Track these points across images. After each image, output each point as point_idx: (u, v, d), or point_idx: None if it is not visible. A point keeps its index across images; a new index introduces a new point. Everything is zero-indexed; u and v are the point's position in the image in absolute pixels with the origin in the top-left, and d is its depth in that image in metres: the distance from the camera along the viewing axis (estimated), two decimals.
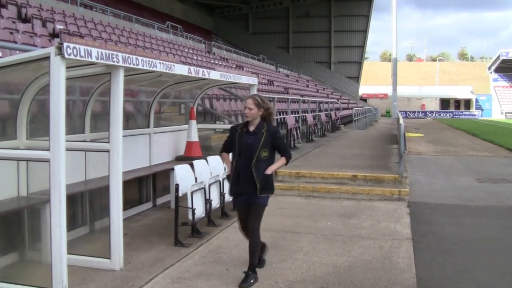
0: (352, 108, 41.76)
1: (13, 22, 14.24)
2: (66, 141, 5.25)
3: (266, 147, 6.07)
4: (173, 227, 7.56)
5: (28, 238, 6.79)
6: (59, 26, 17.02)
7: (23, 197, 6.72)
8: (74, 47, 5.19)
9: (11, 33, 12.17)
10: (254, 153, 6.04)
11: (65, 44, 5.06)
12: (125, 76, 6.22)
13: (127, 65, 6.10)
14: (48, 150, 5.18)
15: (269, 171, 6.07)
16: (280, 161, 6.23)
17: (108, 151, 6.23)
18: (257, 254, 6.22)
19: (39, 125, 6.76)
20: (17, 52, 7.75)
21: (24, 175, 6.69)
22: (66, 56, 5.07)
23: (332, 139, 23.38)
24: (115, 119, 6.18)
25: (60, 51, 5.05)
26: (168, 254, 7.06)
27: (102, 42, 17.08)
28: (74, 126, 7.99)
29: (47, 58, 5.16)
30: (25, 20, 16.07)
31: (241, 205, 6.28)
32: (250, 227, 6.20)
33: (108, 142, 6.25)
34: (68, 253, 5.45)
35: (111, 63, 5.82)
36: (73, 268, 5.80)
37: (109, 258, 6.36)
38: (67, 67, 5.19)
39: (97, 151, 6.65)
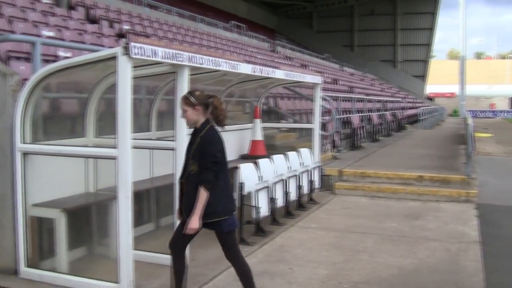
0: (418, 107, 41.00)
1: (82, 23, 14.62)
2: (133, 139, 5.33)
3: (195, 158, 4.90)
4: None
5: (96, 233, 6.96)
6: (126, 27, 17.37)
7: (91, 193, 6.90)
8: (140, 47, 5.26)
9: (80, 34, 12.49)
10: (186, 165, 5.04)
11: (131, 44, 5.13)
12: (190, 75, 6.27)
13: (192, 64, 6.15)
14: (115, 147, 5.28)
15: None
16: (199, 195, 4.82)
17: (173, 149, 6.30)
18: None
19: (107, 123, 6.91)
20: (86, 52, 7.94)
21: (92, 172, 6.86)
22: (132, 55, 5.14)
23: (398, 138, 23.01)
24: (181, 118, 6.23)
25: (126, 50, 5.13)
26: None
27: (168, 41, 17.33)
28: (140, 124, 8.13)
29: (114, 57, 5.23)
30: (93, 21, 16.46)
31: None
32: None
33: (174, 140, 6.33)
34: (135, 249, 5.54)
35: (176, 62, 5.88)
36: (139, 264, 5.89)
37: None
38: (133, 66, 5.26)
39: (162, 149, 6.73)
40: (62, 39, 10.86)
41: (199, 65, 6.30)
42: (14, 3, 11.74)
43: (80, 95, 7.66)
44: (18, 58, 8.32)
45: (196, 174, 4.85)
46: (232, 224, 5.10)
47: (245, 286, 5.17)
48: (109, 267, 5.67)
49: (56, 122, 7.51)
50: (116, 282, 5.41)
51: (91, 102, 6.97)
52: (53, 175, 6.32)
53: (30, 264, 6.09)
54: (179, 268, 5.29)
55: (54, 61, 8.10)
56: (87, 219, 6.87)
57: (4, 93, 6.04)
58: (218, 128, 5.04)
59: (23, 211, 6.01)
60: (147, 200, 7.96)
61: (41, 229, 6.29)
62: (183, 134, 6.25)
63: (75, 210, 6.38)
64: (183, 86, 6.17)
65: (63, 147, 6.03)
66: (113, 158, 5.27)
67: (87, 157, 6.39)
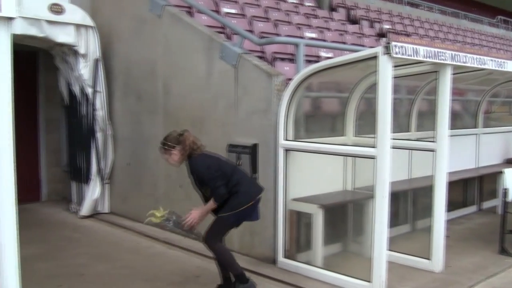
0: None
1: (343, 24, 14.88)
2: (392, 139, 5.29)
3: (203, 186, 5.46)
4: (498, 234, 7.14)
5: (351, 230, 7.05)
6: (386, 26, 17.30)
7: (348, 191, 7.02)
8: (401, 46, 5.19)
9: (341, 34, 12.72)
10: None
11: (392, 43, 5.09)
12: (452, 74, 6.05)
13: (455, 63, 5.91)
14: (374, 147, 5.28)
15: None
16: (210, 202, 5.40)
17: (433, 150, 6.14)
18: None
19: (366, 123, 6.96)
20: (346, 52, 8.06)
21: (350, 170, 6.97)
22: (393, 55, 5.09)
23: None
24: (442, 119, 6.04)
25: (387, 50, 5.10)
26: (492, 262, 6.68)
27: (429, 40, 16.92)
28: (399, 124, 8.05)
29: (374, 57, 5.24)
30: (354, 21, 16.67)
31: None
32: None
33: (434, 142, 6.16)
34: (389, 250, 5.49)
35: (438, 61, 5.69)
36: (392, 265, 5.81)
37: (429, 258, 6.27)
38: (393, 66, 5.22)
39: (422, 150, 6.59)
40: (324, 40, 11.16)
41: (462, 64, 6.04)
42: (279, 8, 12.36)
43: (341, 94, 7.80)
44: (282, 59, 8.73)
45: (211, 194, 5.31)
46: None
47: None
48: (362, 265, 5.70)
49: (316, 121, 7.75)
50: (368, 281, 5.43)
51: (351, 101, 7.07)
52: (313, 172, 6.54)
53: (287, 255, 6.39)
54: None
55: (316, 61, 8.36)
56: (343, 216, 6.99)
57: (270, 92, 6.40)
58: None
59: (284, 205, 6.32)
60: (404, 201, 7.85)
61: (298, 223, 6.55)
62: (444, 135, 6.07)
63: (332, 206, 6.53)
64: (446, 86, 5.98)
65: (323, 145, 6.19)
66: (372, 157, 5.29)
67: (346, 155, 6.50)
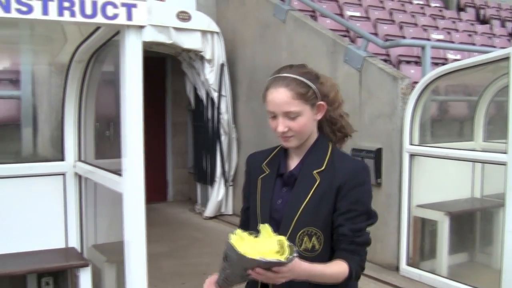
0: None
1: (472, 24, 14.36)
2: None
3: (318, 219, 2.15)
4: None
5: (479, 240, 6.78)
6: None
7: (476, 199, 6.74)
8: None
9: (470, 35, 12.29)
10: (286, 231, 2.16)
11: None
12: None
13: None
14: (505, 153, 5.03)
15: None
16: (334, 270, 2.09)
17: None
18: None
19: (496, 127, 6.68)
20: (475, 54, 7.77)
21: (478, 177, 6.70)
22: None
23: None
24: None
25: None
26: None
27: None
28: None
29: (506, 58, 5.00)
30: (483, 21, 16.06)
31: None
32: None
33: None
34: None
35: None
36: None
37: None
38: None
39: None
40: (451, 42, 10.82)
41: None
42: (404, 9, 12.13)
43: (469, 97, 7.54)
44: (408, 62, 8.54)
45: (320, 255, 2.16)
46: None
47: None
48: (490, 277, 5.48)
49: (443, 125, 7.53)
50: None
51: (481, 105, 6.80)
52: (439, 178, 6.34)
53: (410, 263, 6.23)
54: None
55: (442, 64, 8.12)
56: (471, 224, 6.75)
57: (395, 95, 6.27)
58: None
59: (408, 211, 6.17)
60: None
61: (423, 230, 6.40)
62: None
63: (459, 214, 6.33)
64: None
65: (450, 150, 5.97)
66: (503, 164, 5.04)
67: (474, 161, 6.25)
